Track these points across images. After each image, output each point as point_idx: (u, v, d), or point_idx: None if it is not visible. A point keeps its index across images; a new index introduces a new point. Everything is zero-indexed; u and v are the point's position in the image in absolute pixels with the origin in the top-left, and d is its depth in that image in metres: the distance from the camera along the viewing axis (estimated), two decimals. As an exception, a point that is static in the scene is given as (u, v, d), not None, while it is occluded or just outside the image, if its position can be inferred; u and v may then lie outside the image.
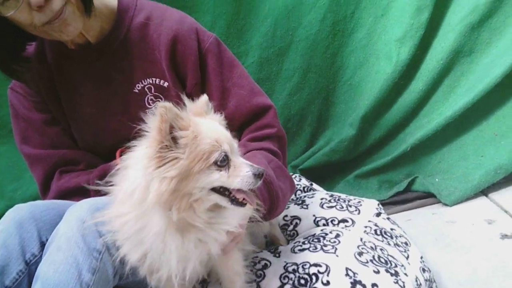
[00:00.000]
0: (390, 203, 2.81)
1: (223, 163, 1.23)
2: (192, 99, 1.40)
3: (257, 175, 1.26)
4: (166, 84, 1.73)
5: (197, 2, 2.71)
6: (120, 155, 1.60)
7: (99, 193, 1.40)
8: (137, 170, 1.22)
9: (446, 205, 2.74)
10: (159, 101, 1.73)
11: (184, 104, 1.35)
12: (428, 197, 2.83)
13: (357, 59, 3.00)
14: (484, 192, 2.79)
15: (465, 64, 2.92)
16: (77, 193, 1.73)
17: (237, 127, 1.75)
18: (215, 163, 1.22)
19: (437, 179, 2.87)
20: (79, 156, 1.83)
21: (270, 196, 1.58)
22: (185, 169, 1.18)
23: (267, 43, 2.87)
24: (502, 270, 2.16)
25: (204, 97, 1.38)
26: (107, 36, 1.70)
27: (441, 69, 2.91)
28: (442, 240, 2.43)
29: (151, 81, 1.74)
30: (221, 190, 1.27)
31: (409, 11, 2.85)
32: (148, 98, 1.74)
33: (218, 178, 1.23)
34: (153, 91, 1.74)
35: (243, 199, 1.28)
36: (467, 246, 2.36)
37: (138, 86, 1.74)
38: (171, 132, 1.18)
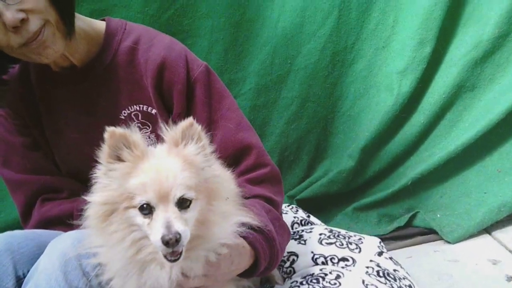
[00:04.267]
0: (391, 238, 2.69)
1: (145, 211, 1.12)
2: None
3: (165, 242, 1.06)
4: (154, 111, 1.64)
5: (194, 27, 2.63)
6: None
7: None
8: None
9: (448, 242, 2.63)
10: (146, 128, 1.65)
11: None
12: (430, 233, 2.71)
13: (357, 90, 2.94)
14: (488, 230, 2.69)
15: (467, 99, 2.88)
16: (60, 222, 1.62)
17: (224, 161, 1.63)
18: (138, 208, 1.12)
19: (438, 215, 2.77)
20: (62, 183, 1.74)
21: (271, 254, 1.49)
22: (112, 200, 1.14)
23: (265, 70, 2.80)
24: (510, 315, 2.04)
25: (184, 123, 1.22)
26: (93, 59, 1.62)
27: (443, 103, 2.85)
28: (445, 280, 2.32)
29: (138, 108, 1.65)
30: None
31: (411, 44, 2.81)
32: (134, 125, 1.65)
33: (141, 224, 1.13)
34: (140, 118, 1.65)
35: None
36: (471, 288, 2.24)
37: (124, 113, 1.65)
38: (119, 158, 1.15)
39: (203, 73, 1.66)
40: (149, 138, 1.65)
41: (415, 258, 2.53)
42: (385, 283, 1.81)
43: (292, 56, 2.83)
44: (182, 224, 1.09)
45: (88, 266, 1.31)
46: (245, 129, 1.70)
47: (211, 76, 1.69)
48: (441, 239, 2.67)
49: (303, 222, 2.41)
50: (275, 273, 1.96)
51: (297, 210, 2.54)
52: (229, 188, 1.44)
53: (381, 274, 1.87)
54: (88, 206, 1.18)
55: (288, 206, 2.60)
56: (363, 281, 1.77)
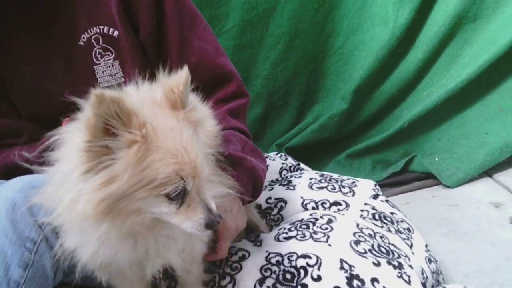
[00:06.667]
0: (386, 185, 2.53)
1: (177, 197, 0.94)
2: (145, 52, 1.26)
3: (209, 226, 0.98)
4: (116, 33, 1.44)
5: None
6: (68, 124, 1.32)
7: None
8: (66, 163, 0.93)
9: (447, 187, 2.48)
10: (108, 55, 1.45)
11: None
12: (428, 178, 2.56)
13: (350, 24, 2.69)
14: (488, 172, 2.53)
15: (468, 31, 2.64)
16: (20, 170, 1.43)
17: (197, 85, 1.45)
18: (167, 195, 0.92)
19: (436, 159, 2.61)
20: (21, 127, 1.53)
21: (254, 182, 1.42)
22: (122, 193, 0.88)
23: (250, 3, 2.55)
24: (515, 259, 1.90)
25: (184, 72, 0.98)
26: None
27: (442, 36, 2.62)
28: (445, 225, 2.17)
29: (98, 30, 1.44)
30: None
31: (409, -31, 2.56)
32: (95, 51, 1.45)
33: (166, 212, 0.95)
34: (101, 42, 1.44)
35: None
36: (473, 233, 2.09)
37: (83, 38, 1.44)
38: (108, 131, 0.86)
39: None
40: (112, 66, 1.46)
41: (412, 204, 2.39)
42: (382, 226, 1.65)
43: (279, -14, 2.58)
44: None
45: (40, 212, 1.14)
46: (224, 55, 1.62)
47: None
48: (440, 183, 2.53)
49: (292, 169, 2.23)
50: (258, 221, 1.79)
51: (286, 158, 2.35)
52: (211, 124, 1.28)
53: (377, 217, 1.70)
54: (80, 199, 0.89)
55: (277, 154, 2.41)
56: (358, 225, 1.59)
